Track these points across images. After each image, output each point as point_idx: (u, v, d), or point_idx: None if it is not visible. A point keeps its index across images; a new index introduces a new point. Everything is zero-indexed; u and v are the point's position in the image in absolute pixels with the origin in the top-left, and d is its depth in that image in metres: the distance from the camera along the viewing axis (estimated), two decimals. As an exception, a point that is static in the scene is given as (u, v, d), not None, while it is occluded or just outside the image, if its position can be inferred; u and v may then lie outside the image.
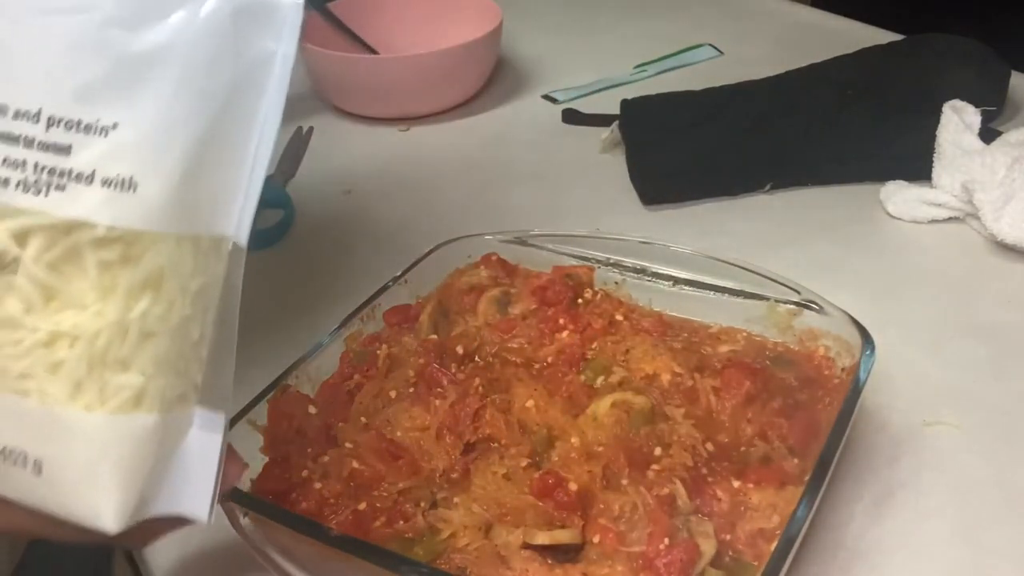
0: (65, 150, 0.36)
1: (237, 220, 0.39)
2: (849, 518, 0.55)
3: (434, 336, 0.61)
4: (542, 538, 0.48)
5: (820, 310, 0.59)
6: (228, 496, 0.50)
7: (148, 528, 0.40)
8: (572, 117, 0.98)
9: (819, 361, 0.58)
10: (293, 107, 1.07)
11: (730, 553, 0.49)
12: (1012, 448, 0.59)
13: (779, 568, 0.45)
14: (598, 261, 0.66)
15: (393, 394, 0.57)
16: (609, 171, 0.89)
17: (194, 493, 0.41)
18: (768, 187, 0.84)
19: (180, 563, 0.56)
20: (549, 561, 0.48)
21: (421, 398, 0.56)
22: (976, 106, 0.82)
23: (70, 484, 0.37)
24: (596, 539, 0.48)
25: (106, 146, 0.36)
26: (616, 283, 0.65)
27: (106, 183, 0.36)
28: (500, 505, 0.50)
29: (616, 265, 0.65)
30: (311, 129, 0.99)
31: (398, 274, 0.65)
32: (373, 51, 1.07)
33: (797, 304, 0.60)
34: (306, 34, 1.06)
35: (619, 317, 0.62)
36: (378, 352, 0.59)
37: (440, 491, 0.52)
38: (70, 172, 0.36)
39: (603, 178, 0.88)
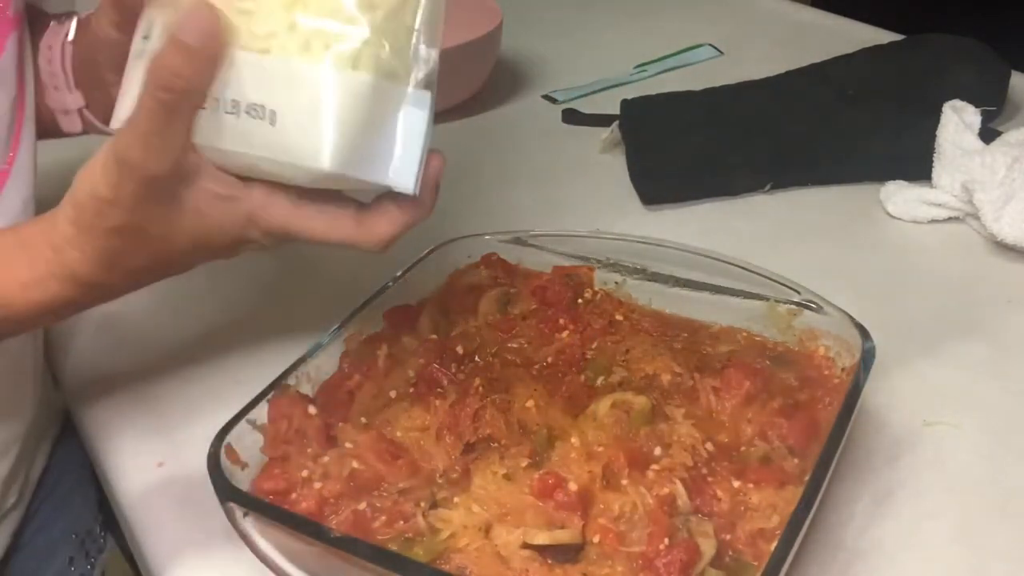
0: None
1: None
2: (849, 518, 0.55)
3: (434, 336, 0.61)
4: (542, 538, 0.48)
5: (820, 310, 0.59)
6: (228, 496, 0.50)
7: (376, 221, 0.48)
8: (572, 117, 0.98)
9: (819, 361, 0.58)
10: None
11: (730, 553, 0.49)
12: (1012, 448, 0.59)
13: (779, 568, 0.45)
14: (598, 261, 0.66)
15: (393, 394, 0.57)
16: (609, 171, 0.89)
17: (402, 164, 0.47)
18: (768, 187, 0.84)
19: (180, 563, 0.56)
20: (549, 561, 0.48)
21: (421, 398, 0.56)
22: (976, 106, 0.82)
23: (298, 128, 0.45)
24: (596, 539, 0.48)
25: None
26: (616, 283, 0.65)
27: None
28: (500, 505, 0.50)
29: (616, 265, 0.65)
30: (311, 129, 0.99)
31: (398, 274, 0.65)
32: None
33: (797, 304, 0.60)
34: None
35: (619, 317, 0.62)
36: (378, 352, 0.59)
37: (440, 491, 0.52)
38: None
39: (603, 178, 0.88)
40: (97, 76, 0.62)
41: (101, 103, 0.63)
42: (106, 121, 0.56)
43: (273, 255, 0.81)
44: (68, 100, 0.64)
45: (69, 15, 0.64)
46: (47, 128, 0.65)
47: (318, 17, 0.45)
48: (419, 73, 0.47)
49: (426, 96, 0.48)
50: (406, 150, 0.47)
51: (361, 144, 0.46)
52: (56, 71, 0.63)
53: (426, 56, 0.47)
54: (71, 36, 0.63)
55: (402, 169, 0.47)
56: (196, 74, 0.45)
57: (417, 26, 0.47)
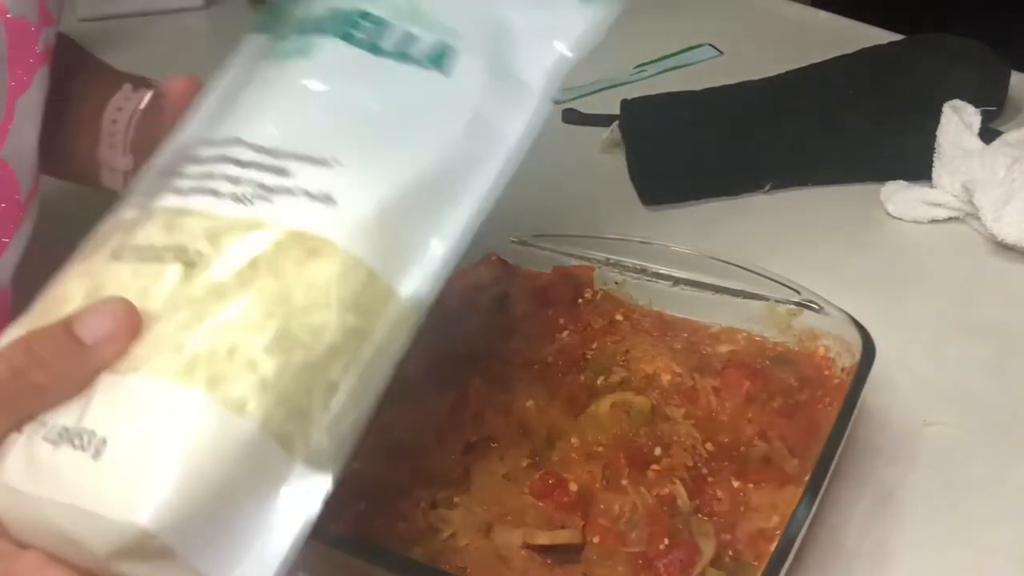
0: (283, 172, 0.38)
1: (417, 285, 0.39)
2: (849, 518, 0.55)
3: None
4: (542, 538, 0.48)
5: (820, 310, 0.59)
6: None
7: None
8: (572, 117, 0.98)
9: (819, 361, 0.58)
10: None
11: (730, 553, 0.49)
12: (1012, 448, 0.59)
13: (779, 568, 0.45)
14: (598, 261, 0.66)
15: (393, 394, 0.57)
16: (609, 171, 0.89)
17: (250, 565, 0.35)
18: (768, 187, 0.84)
19: (180, 563, 0.56)
20: (549, 561, 0.48)
21: (421, 398, 0.56)
22: (976, 106, 0.82)
23: (127, 464, 0.33)
24: (596, 539, 0.48)
25: (317, 171, 0.38)
26: (616, 283, 0.65)
27: (308, 196, 0.37)
28: (500, 505, 0.50)
29: (616, 265, 0.65)
30: (311, 129, 0.98)
31: (398, 274, 0.65)
32: (373, 51, 1.06)
33: (797, 304, 0.60)
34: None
35: (619, 317, 0.62)
36: (378, 352, 0.59)
37: (440, 491, 0.52)
38: (279, 188, 0.38)
39: (603, 178, 0.88)
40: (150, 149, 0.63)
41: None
42: None
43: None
44: (120, 161, 0.65)
45: (147, 84, 0.66)
46: (85, 175, 0.66)
47: (214, 343, 0.35)
48: (321, 453, 0.37)
49: (322, 487, 0.37)
50: (264, 554, 0.35)
51: (206, 512, 0.33)
52: (118, 131, 0.64)
53: (347, 435, 0.37)
54: (143, 105, 0.64)
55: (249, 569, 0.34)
56: (61, 379, 0.36)
57: (338, 385, 0.37)
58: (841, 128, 0.88)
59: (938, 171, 0.80)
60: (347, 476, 0.52)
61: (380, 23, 0.41)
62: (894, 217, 0.80)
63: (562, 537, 0.48)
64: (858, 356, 0.55)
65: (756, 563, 0.48)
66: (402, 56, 0.41)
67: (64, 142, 0.65)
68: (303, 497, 0.36)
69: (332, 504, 0.51)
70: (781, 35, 1.12)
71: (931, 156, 0.80)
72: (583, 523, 0.49)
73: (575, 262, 0.66)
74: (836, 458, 0.50)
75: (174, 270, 0.36)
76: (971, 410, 0.61)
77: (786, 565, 0.45)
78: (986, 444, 0.59)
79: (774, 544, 0.46)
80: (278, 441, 0.35)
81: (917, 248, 0.77)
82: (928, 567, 0.52)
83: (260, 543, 0.35)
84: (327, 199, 0.37)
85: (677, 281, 0.64)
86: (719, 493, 0.51)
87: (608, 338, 0.61)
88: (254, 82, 0.42)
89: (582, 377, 0.58)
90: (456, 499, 0.51)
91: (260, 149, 0.38)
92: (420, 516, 0.50)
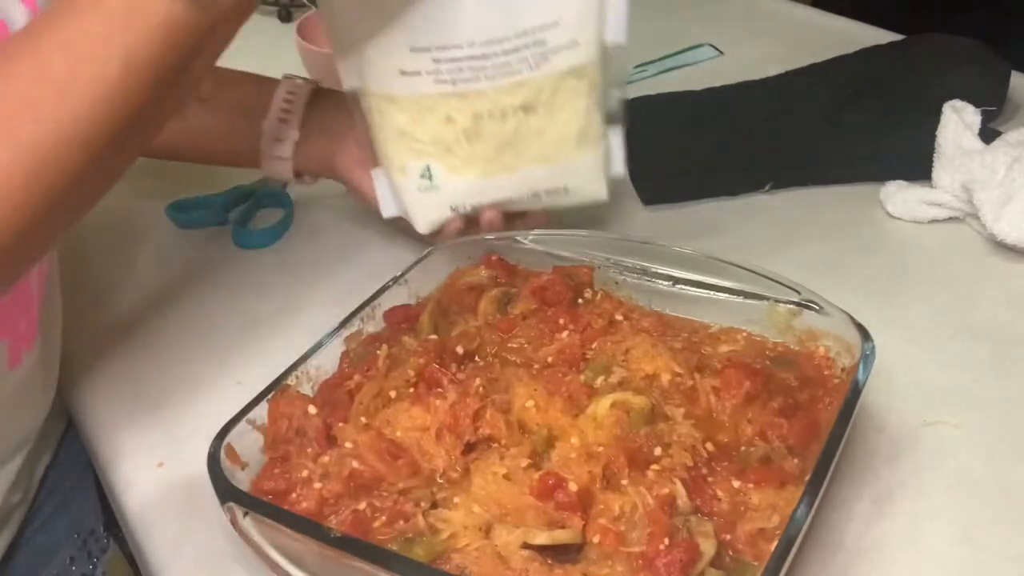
0: (542, 42, 0.63)
1: (614, 29, 0.66)
2: (849, 518, 0.55)
3: (434, 336, 0.61)
4: (542, 538, 0.48)
5: (820, 310, 0.59)
6: (228, 496, 0.50)
7: None
8: (572, 117, 0.98)
9: (819, 361, 0.58)
10: (293, 107, 1.07)
11: (730, 553, 0.49)
12: (1012, 448, 0.59)
13: (779, 568, 0.45)
14: (598, 261, 0.66)
15: (393, 394, 0.57)
16: (609, 171, 0.89)
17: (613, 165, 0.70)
18: (768, 187, 0.84)
19: (180, 563, 0.56)
20: (549, 561, 0.48)
21: (421, 398, 0.56)
22: (976, 106, 0.82)
23: (582, 189, 0.68)
24: (596, 539, 0.48)
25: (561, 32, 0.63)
26: (616, 283, 0.65)
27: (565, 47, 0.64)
28: (500, 505, 0.50)
29: (616, 265, 0.65)
30: (311, 129, 0.99)
31: (398, 274, 0.65)
32: (373, 51, 1.07)
33: (797, 304, 0.60)
34: (306, 34, 1.07)
35: (619, 317, 0.62)
36: (378, 352, 0.59)
37: (440, 491, 0.52)
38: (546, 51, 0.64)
39: (603, 178, 0.88)
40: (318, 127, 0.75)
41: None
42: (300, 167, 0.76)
43: (273, 255, 0.81)
44: (291, 133, 0.74)
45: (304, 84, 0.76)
46: (232, 153, 0.77)
47: (582, 129, 0.66)
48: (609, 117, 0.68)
49: (617, 128, 0.69)
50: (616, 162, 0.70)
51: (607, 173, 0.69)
52: (294, 108, 0.74)
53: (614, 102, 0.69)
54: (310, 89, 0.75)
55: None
56: None
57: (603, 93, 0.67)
58: (841, 128, 0.88)
59: (938, 171, 0.80)
60: (347, 476, 0.52)
61: None
62: (894, 217, 0.80)
63: (562, 537, 0.48)
64: (858, 356, 0.55)
65: (756, 563, 0.48)
66: None
67: (224, 123, 0.75)
68: (615, 135, 0.70)
69: (332, 504, 0.51)
70: (781, 35, 1.12)
71: (931, 156, 0.81)
72: (583, 523, 0.49)
73: (575, 262, 0.66)
74: (836, 458, 0.50)
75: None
76: (971, 410, 0.61)
77: (786, 565, 0.45)
78: (986, 444, 0.59)
79: (774, 544, 0.46)
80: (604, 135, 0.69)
81: (917, 248, 0.77)
82: (928, 567, 0.52)
83: (614, 161, 0.71)
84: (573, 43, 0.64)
85: (677, 281, 0.64)
86: (719, 493, 0.51)
87: (608, 338, 0.61)
88: None
89: (582, 377, 0.58)
90: (456, 499, 0.51)
91: (523, 33, 0.62)
92: (420, 516, 0.50)
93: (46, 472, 0.73)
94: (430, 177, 0.67)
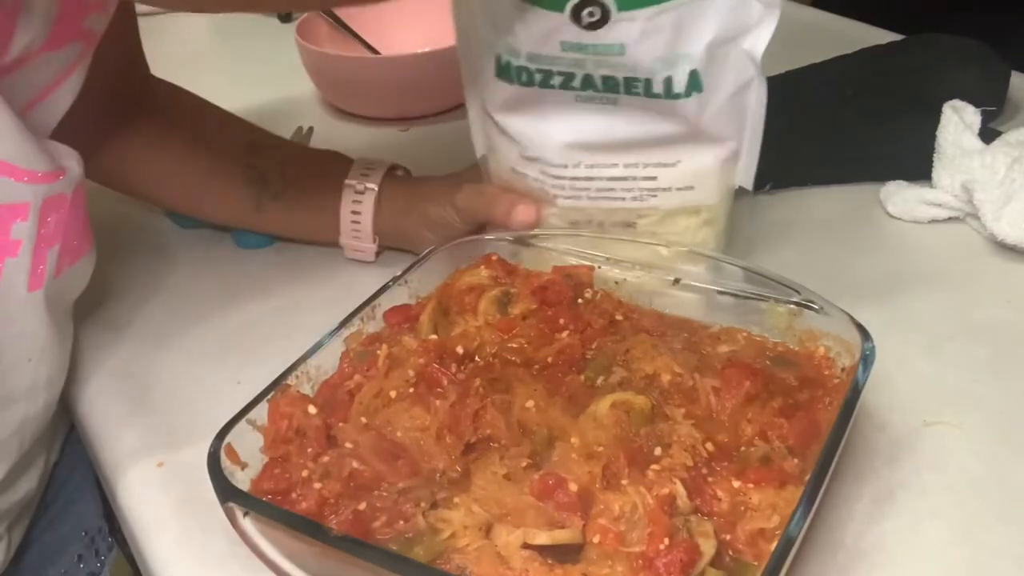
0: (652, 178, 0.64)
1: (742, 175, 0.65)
2: (849, 518, 0.55)
3: (434, 336, 0.61)
4: (542, 538, 0.48)
5: (820, 310, 0.59)
6: (228, 496, 0.50)
7: None
8: (572, 117, 0.98)
9: (819, 361, 0.58)
10: (293, 107, 1.07)
11: (730, 553, 0.49)
12: (1012, 448, 0.59)
13: (779, 568, 0.45)
14: (598, 261, 0.66)
15: (393, 394, 0.57)
16: (609, 171, 0.89)
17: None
18: (768, 187, 0.84)
19: (180, 563, 0.56)
20: (549, 561, 0.48)
21: (421, 398, 0.56)
22: (976, 106, 0.82)
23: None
24: (596, 539, 0.48)
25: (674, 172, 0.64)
26: (616, 283, 0.65)
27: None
28: (500, 505, 0.50)
29: (616, 265, 0.65)
30: (311, 129, 0.99)
31: (398, 274, 0.65)
32: (373, 51, 1.07)
33: (797, 304, 0.60)
34: (306, 34, 1.07)
35: (619, 317, 0.62)
36: (378, 352, 0.59)
37: (440, 491, 0.52)
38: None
39: (603, 178, 0.88)
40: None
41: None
42: None
43: (273, 255, 0.81)
44: (366, 234, 0.77)
45: (369, 179, 0.76)
46: (313, 242, 0.80)
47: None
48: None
49: None
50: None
51: None
52: (363, 228, 0.76)
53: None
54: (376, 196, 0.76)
55: None
56: None
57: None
58: (841, 128, 0.88)
59: (938, 171, 0.80)
60: (347, 476, 0.52)
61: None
62: (894, 217, 0.80)
63: (562, 537, 0.48)
64: (858, 356, 0.55)
65: (756, 563, 0.48)
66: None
67: (300, 218, 0.78)
68: None
69: (332, 504, 0.51)
70: (781, 35, 1.12)
71: (931, 156, 0.81)
72: (583, 523, 0.49)
73: (575, 262, 0.66)
74: (836, 458, 0.50)
75: None
76: (971, 410, 0.61)
77: (786, 565, 0.45)
78: (986, 444, 0.59)
79: (774, 544, 0.46)
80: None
81: (917, 248, 0.77)
82: (928, 567, 0.52)
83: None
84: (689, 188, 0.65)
85: (677, 281, 0.64)
86: (719, 493, 0.51)
87: (608, 338, 0.61)
88: None
89: (582, 377, 0.58)
90: (456, 499, 0.51)
91: (632, 164, 0.64)
92: (420, 516, 0.50)
93: (53, 469, 0.73)
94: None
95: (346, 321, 0.61)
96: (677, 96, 0.59)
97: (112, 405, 0.67)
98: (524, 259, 0.67)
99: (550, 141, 0.63)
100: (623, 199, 0.64)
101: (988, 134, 0.81)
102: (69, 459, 0.75)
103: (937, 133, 0.81)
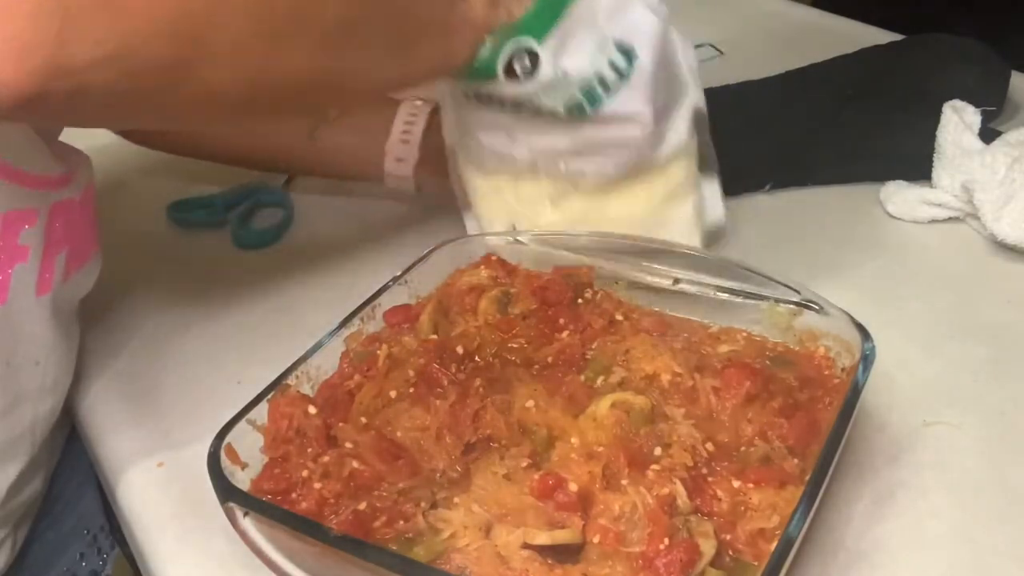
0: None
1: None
2: (849, 518, 0.55)
3: (434, 336, 0.61)
4: (542, 538, 0.48)
5: (820, 310, 0.59)
6: (228, 496, 0.50)
7: None
8: (572, 117, 0.98)
9: (819, 361, 0.58)
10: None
11: (730, 553, 0.49)
12: (1012, 448, 0.59)
13: (779, 568, 0.45)
14: (598, 261, 0.66)
15: (393, 394, 0.57)
16: (609, 171, 0.88)
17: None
18: (768, 187, 0.84)
19: (180, 563, 0.56)
20: (549, 561, 0.48)
21: (421, 398, 0.56)
22: (976, 106, 0.82)
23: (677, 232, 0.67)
24: (596, 539, 0.48)
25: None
26: (616, 283, 0.65)
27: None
28: (500, 505, 0.50)
29: (616, 265, 0.65)
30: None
31: (398, 274, 0.65)
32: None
33: (797, 304, 0.60)
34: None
35: (619, 317, 0.62)
36: (378, 352, 0.59)
37: (440, 491, 0.52)
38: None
39: (603, 178, 0.88)
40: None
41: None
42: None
43: (273, 255, 0.81)
44: (412, 152, 0.78)
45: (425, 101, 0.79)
46: (359, 170, 0.81)
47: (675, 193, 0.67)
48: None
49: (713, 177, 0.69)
50: (712, 204, 0.69)
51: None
52: (414, 129, 0.78)
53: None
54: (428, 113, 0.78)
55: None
56: None
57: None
58: (841, 128, 0.88)
59: (938, 171, 0.80)
60: (347, 476, 0.52)
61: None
62: (894, 217, 0.80)
63: (562, 537, 0.48)
64: (858, 356, 0.55)
65: (756, 563, 0.48)
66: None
67: (350, 142, 0.80)
68: (710, 181, 0.69)
69: (332, 504, 0.51)
70: (781, 35, 1.13)
71: (931, 156, 0.81)
72: (583, 523, 0.49)
73: (575, 262, 0.66)
74: (836, 458, 0.50)
75: None
76: (971, 410, 0.61)
77: (786, 565, 0.45)
78: (986, 444, 0.59)
79: (774, 544, 0.46)
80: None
81: (917, 248, 0.77)
82: (928, 567, 0.52)
83: (709, 204, 0.70)
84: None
85: (677, 281, 0.64)
86: (719, 493, 0.51)
87: (608, 338, 0.60)
88: None
89: (582, 377, 0.58)
90: (456, 499, 0.51)
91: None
92: (420, 516, 0.50)
93: (56, 468, 0.73)
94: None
95: (346, 321, 0.61)
96: (625, 72, 0.61)
97: (112, 405, 0.67)
98: (524, 259, 0.67)
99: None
100: (605, 167, 0.65)
101: (988, 134, 0.81)
102: (71, 457, 0.75)
103: (937, 133, 0.81)
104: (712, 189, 0.68)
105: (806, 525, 0.47)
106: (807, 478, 0.49)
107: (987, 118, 0.83)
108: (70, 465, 0.75)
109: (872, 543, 0.54)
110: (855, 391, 0.53)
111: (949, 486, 0.57)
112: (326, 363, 0.59)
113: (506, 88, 0.60)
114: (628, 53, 0.61)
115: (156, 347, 0.72)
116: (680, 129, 0.65)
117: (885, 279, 0.73)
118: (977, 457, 0.58)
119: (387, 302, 0.63)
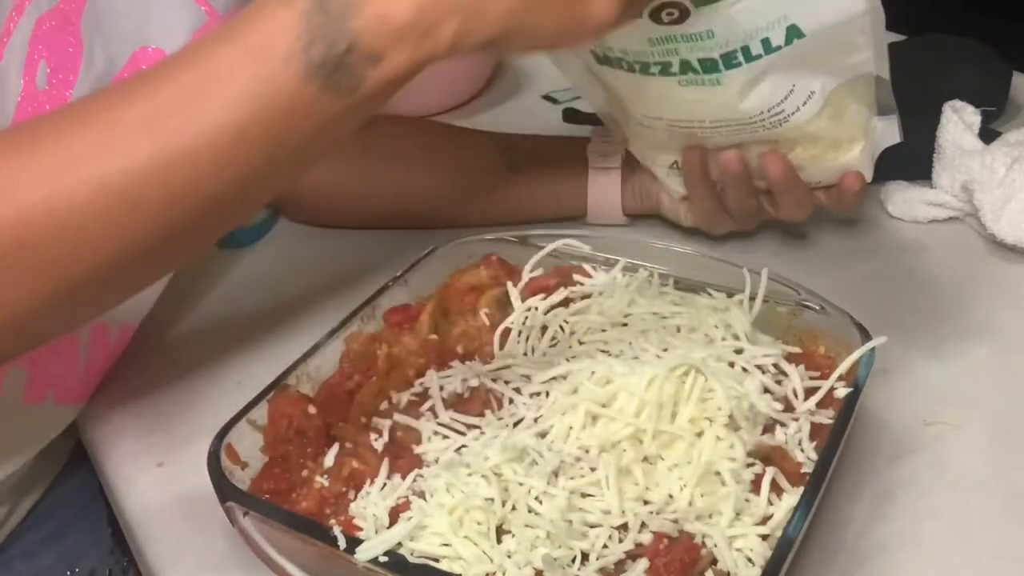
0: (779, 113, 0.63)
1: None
2: (849, 518, 0.55)
3: (434, 336, 0.61)
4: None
5: (820, 310, 0.59)
6: (228, 496, 0.50)
7: None
8: (572, 117, 0.98)
9: (819, 361, 0.58)
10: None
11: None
12: (1012, 448, 0.59)
13: (779, 568, 0.45)
14: (598, 261, 0.66)
15: (393, 394, 0.57)
16: (609, 171, 0.88)
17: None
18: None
19: (180, 563, 0.56)
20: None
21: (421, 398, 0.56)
22: (977, 106, 0.82)
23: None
24: (596, 539, 0.48)
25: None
26: (615, 283, 0.65)
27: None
28: (500, 505, 0.50)
29: (616, 265, 0.65)
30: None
31: (398, 274, 0.65)
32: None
33: (797, 304, 0.60)
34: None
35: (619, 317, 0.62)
36: (378, 352, 0.59)
37: (440, 491, 0.52)
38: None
39: (603, 178, 0.88)
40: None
41: None
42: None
43: (274, 255, 0.81)
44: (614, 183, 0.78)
45: (612, 158, 0.78)
46: (558, 212, 0.80)
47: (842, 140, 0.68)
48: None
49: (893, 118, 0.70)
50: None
51: None
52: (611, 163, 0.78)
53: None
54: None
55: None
56: None
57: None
58: (841, 128, 0.87)
59: (938, 171, 0.80)
60: (347, 476, 0.52)
61: None
62: (894, 217, 0.80)
63: (562, 537, 0.48)
64: (858, 356, 0.55)
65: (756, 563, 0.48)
66: None
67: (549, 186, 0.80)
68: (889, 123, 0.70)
69: (332, 504, 0.51)
70: (781, 35, 1.12)
71: (931, 156, 0.80)
72: (583, 523, 0.49)
73: (574, 262, 0.66)
74: (836, 458, 0.50)
75: None
76: (971, 410, 0.61)
77: (786, 565, 0.45)
78: (986, 444, 0.59)
79: (774, 544, 0.46)
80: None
81: (917, 248, 0.77)
82: (928, 567, 0.52)
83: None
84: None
85: (677, 281, 0.64)
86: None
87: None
88: None
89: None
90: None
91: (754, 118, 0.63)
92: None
93: (38, 501, 0.73)
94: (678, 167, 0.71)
95: (346, 321, 0.61)
96: (777, 48, 0.59)
97: (112, 406, 0.67)
98: (524, 259, 0.67)
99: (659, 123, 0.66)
100: (756, 133, 0.64)
101: (988, 134, 0.81)
102: (60, 492, 0.74)
103: (937, 133, 0.81)
104: (885, 125, 0.69)
105: (806, 525, 0.47)
106: (807, 478, 0.49)
107: (987, 118, 0.83)
108: (58, 500, 0.74)
109: (872, 543, 0.54)
110: (855, 391, 0.53)
111: (949, 486, 0.57)
112: (326, 363, 0.59)
113: (647, 30, 0.57)
114: (793, 30, 0.59)
115: (156, 347, 0.72)
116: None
117: (885, 279, 0.73)
118: (977, 457, 0.58)
119: (387, 302, 0.63)
